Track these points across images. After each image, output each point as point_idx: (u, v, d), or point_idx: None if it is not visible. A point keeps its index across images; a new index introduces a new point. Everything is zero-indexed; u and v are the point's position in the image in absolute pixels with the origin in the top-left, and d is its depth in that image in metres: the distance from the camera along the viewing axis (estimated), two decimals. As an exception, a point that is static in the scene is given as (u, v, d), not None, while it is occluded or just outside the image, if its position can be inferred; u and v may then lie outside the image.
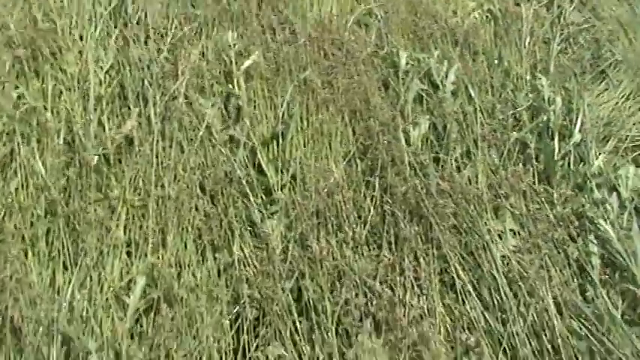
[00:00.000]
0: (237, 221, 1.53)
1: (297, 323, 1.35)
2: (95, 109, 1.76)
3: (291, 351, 1.31)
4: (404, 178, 1.62)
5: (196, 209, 1.55)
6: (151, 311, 1.36)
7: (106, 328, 1.30)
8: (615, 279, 1.45)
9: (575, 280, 1.45)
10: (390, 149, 1.69)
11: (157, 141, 1.70)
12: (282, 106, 1.82)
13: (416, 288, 1.43)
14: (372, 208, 1.58)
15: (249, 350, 1.31)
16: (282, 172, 1.68)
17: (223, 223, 1.53)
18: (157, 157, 1.67)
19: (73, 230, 1.49)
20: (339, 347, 1.31)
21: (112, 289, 1.37)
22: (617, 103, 1.98)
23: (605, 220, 1.54)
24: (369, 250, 1.51)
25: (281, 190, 1.62)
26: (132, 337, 1.31)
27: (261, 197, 1.60)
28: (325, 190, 1.60)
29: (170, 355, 1.27)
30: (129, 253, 1.48)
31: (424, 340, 1.30)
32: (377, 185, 1.62)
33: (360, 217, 1.58)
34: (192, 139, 1.72)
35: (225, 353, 1.30)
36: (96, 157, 1.62)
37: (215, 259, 1.48)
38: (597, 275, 1.44)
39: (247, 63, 1.93)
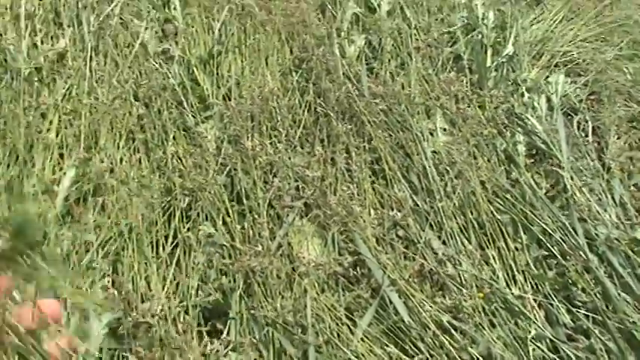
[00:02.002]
0: (171, 124, 1.60)
1: (229, 208, 1.42)
2: (27, 30, 1.82)
3: (222, 232, 1.38)
4: (338, 85, 1.71)
5: (129, 114, 1.62)
6: (82, 202, 1.42)
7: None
8: (539, 164, 1.57)
9: (501, 166, 1.56)
10: (325, 61, 1.79)
11: (91, 57, 1.77)
12: (218, 29, 1.91)
13: (347, 177, 1.51)
14: (305, 112, 1.67)
15: (180, 232, 1.38)
16: (217, 86, 1.76)
17: (157, 126, 1.60)
18: (90, 71, 1.73)
19: (3, 136, 1.54)
20: (270, 228, 1.39)
21: (42, 181, 1.42)
22: (550, 25, 2.12)
23: (532, 117, 1.66)
24: (302, 148, 1.60)
25: (216, 98, 1.70)
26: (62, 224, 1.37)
27: (196, 105, 1.68)
28: (260, 97, 1.69)
29: (101, 237, 1.33)
30: (61, 155, 1.54)
31: (352, 216, 1.39)
32: (311, 91, 1.72)
33: (294, 121, 1.66)
34: (126, 56, 1.79)
35: (157, 236, 1.37)
36: (27, 70, 1.68)
37: (148, 157, 1.54)
38: (523, 160, 1.56)
39: (184, -10, 2.02)
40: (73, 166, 1.46)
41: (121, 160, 1.52)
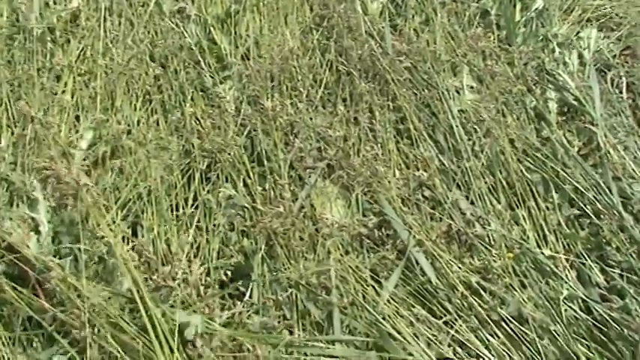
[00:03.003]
0: (188, 85, 1.59)
1: (249, 169, 1.41)
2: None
3: (243, 193, 1.37)
4: (360, 43, 1.68)
5: (146, 75, 1.60)
6: (100, 165, 1.42)
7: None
8: (571, 122, 1.53)
9: (531, 124, 1.52)
10: (347, 18, 1.75)
11: (105, 17, 1.76)
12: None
13: (370, 137, 1.50)
14: (327, 71, 1.65)
15: (200, 195, 1.38)
16: (235, 45, 1.74)
17: (174, 87, 1.59)
18: (104, 31, 1.72)
19: (18, 97, 1.54)
20: (291, 189, 1.38)
21: (59, 144, 1.42)
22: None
23: (564, 72, 1.62)
24: (324, 108, 1.58)
25: (234, 58, 1.68)
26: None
27: (214, 65, 1.66)
28: (279, 56, 1.66)
29: (119, 197, 1.33)
30: (77, 118, 1.53)
31: (377, 177, 1.37)
32: (332, 50, 1.69)
33: (315, 81, 1.64)
34: (141, 15, 1.78)
35: (176, 198, 1.36)
36: (40, 30, 1.67)
37: (166, 119, 1.54)
38: (554, 118, 1.53)
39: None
40: (89, 128, 1.46)
41: (139, 121, 1.51)
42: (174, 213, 1.34)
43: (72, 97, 1.56)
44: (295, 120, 1.51)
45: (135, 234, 1.29)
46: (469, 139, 1.47)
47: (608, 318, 1.14)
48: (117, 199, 1.33)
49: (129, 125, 1.50)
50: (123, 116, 1.52)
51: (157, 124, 1.54)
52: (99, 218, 1.23)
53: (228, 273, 1.23)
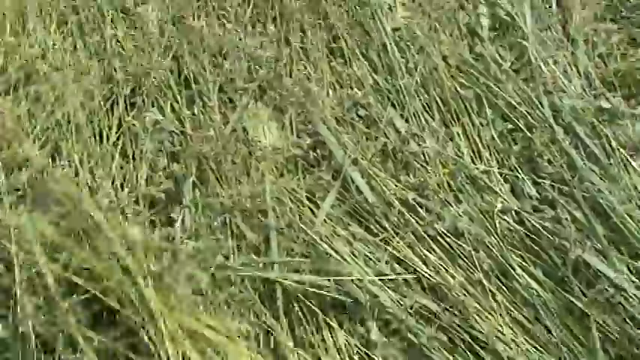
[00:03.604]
0: (107, 5, 1.46)
1: (176, 93, 1.32)
2: None
3: (172, 119, 1.28)
4: (289, -41, 1.58)
5: (59, -5, 1.46)
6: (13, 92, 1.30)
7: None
8: (503, 38, 1.49)
9: (464, 40, 1.48)
10: None
11: None
12: None
13: (302, 56, 1.42)
14: (255, -11, 1.54)
15: (124, 121, 1.28)
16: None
17: (92, 8, 1.45)
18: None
19: None
20: (222, 112, 1.30)
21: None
22: None
23: (495, -12, 1.56)
24: (254, 27, 1.48)
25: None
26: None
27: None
28: (204, -27, 1.54)
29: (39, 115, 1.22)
30: (-15, 43, 1.39)
31: (310, 97, 1.30)
32: (261, -33, 1.58)
33: (243, 0, 1.53)
34: None
35: (99, 126, 1.26)
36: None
37: (84, 42, 1.41)
38: (486, 34, 1.48)
39: None
40: (-1, 53, 1.32)
41: (54, 44, 1.38)
42: (98, 141, 1.24)
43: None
44: (224, 41, 1.41)
45: (54, 163, 1.19)
46: (402, 57, 1.41)
47: (540, 228, 1.13)
48: (33, 127, 1.22)
49: (43, 50, 1.37)
50: (36, 40, 1.39)
51: (75, 47, 1.41)
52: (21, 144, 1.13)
53: (159, 197, 1.16)
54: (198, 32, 1.41)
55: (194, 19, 1.45)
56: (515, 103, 1.32)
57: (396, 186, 1.19)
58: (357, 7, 1.50)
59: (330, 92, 1.36)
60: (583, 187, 1.17)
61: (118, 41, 1.40)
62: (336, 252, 1.10)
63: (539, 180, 1.21)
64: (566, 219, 1.14)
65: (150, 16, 1.45)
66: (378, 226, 1.15)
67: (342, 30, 1.45)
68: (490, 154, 1.27)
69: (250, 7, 1.51)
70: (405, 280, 1.09)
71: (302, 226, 1.12)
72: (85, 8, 1.45)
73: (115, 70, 1.33)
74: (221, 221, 1.14)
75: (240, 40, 1.42)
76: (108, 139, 1.24)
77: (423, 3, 1.53)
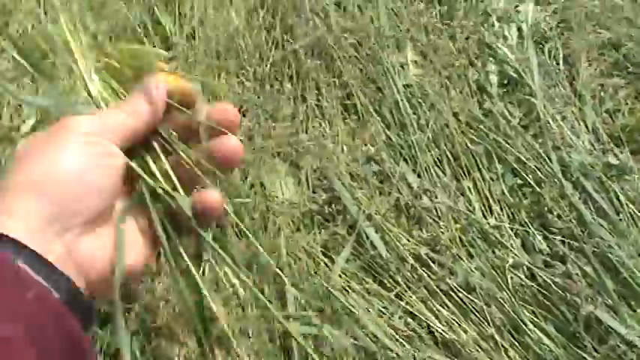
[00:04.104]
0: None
1: (198, 150, 1.35)
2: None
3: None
4: (305, 20, 1.63)
5: (88, 56, 1.51)
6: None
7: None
8: (512, 94, 1.52)
9: (474, 97, 1.50)
10: (291, -3, 1.69)
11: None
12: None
13: (318, 113, 1.45)
14: (273, 49, 1.59)
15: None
16: (181, 25, 1.67)
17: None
18: (45, 13, 1.62)
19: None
20: (241, 168, 1.33)
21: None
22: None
23: (503, 46, 1.60)
24: (271, 86, 1.52)
25: (179, 38, 1.61)
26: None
27: (159, 45, 1.59)
28: (225, 35, 1.60)
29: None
30: (20, 106, 1.44)
31: (325, 153, 1.33)
32: (278, 28, 1.63)
33: (262, 59, 1.58)
34: (82, -4, 1.67)
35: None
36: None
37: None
38: (495, 90, 1.51)
39: None
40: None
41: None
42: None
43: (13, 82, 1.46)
44: (243, 98, 1.45)
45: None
46: (414, 113, 1.44)
47: (551, 283, 1.13)
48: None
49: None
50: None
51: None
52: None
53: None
54: (218, 89, 1.45)
55: (215, 78, 1.50)
56: (524, 159, 1.34)
57: (409, 241, 1.21)
58: (371, 66, 1.54)
59: (345, 148, 1.39)
60: (593, 242, 1.18)
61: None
62: (351, 306, 1.10)
63: (550, 235, 1.22)
64: (577, 274, 1.14)
65: (173, 75, 1.50)
66: (391, 280, 1.16)
67: (356, 87, 1.49)
68: (501, 209, 1.28)
69: (268, 66, 1.56)
70: (419, 334, 1.10)
71: (318, 279, 1.13)
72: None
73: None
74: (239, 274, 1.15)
75: (259, 98, 1.47)
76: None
77: (434, 61, 1.56)
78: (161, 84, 0.53)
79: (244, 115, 1.42)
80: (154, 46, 1.56)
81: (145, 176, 0.53)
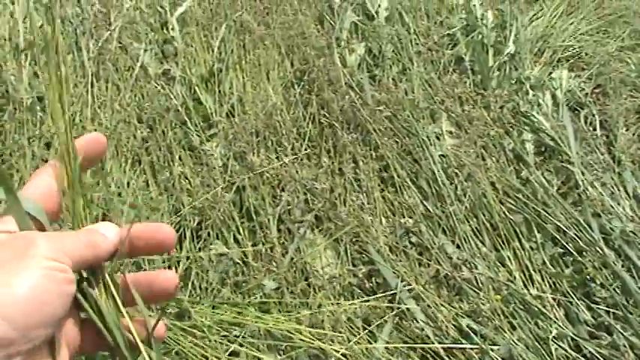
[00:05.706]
0: (176, 145, 1.62)
1: (239, 225, 1.43)
2: (27, 60, 1.84)
3: (234, 250, 1.38)
4: (341, 94, 1.72)
5: (134, 137, 1.63)
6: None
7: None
8: (549, 162, 1.56)
9: (511, 165, 1.55)
10: (327, 72, 1.80)
11: (92, 83, 1.79)
12: (218, 47, 1.92)
13: (355, 186, 1.52)
14: (310, 124, 1.68)
15: (190, 251, 1.38)
16: (220, 104, 1.78)
17: (162, 147, 1.61)
18: (92, 97, 1.75)
19: (9, 167, 1.56)
20: (281, 243, 1.39)
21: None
22: (550, 20, 2.12)
23: (538, 114, 1.66)
24: (309, 160, 1.60)
25: (219, 116, 1.71)
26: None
27: (200, 124, 1.69)
28: (263, 112, 1.70)
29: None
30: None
31: (364, 226, 1.39)
32: (314, 103, 1.72)
33: (299, 134, 1.67)
34: (127, 79, 1.81)
35: (168, 260, 1.37)
36: (29, 100, 1.70)
37: (155, 179, 1.55)
38: (532, 159, 1.56)
39: (181, 9, 2.04)
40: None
41: (128, 183, 1.53)
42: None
43: (62, 163, 1.57)
44: (282, 173, 1.53)
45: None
46: (451, 184, 1.50)
47: (597, 355, 1.14)
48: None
49: (119, 187, 1.52)
50: (112, 179, 1.54)
51: (147, 184, 1.55)
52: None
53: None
54: (258, 166, 1.54)
55: (254, 155, 1.58)
56: (564, 227, 1.37)
57: (450, 312, 1.24)
58: (407, 137, 1.61)
59: (383, 220, 1.45)
60: (638, 312, 1.19)
61: (185, 177, 1.54)
62: (394, 381, 1.13)
63: (593, 305, 1.23)
64: (624, 345, 1.15)
65: (214, 152, 1.60)
66: (432, 353, 1.19)
67: (393, 160, 1.56)
68: (542, 279, 1.31)
69: (305, 141, 1.64)
70: (463, 409, 1.11)
71: (361, 354, 1.17)
72: (156, 148, 1.60)
73: (183, 204, 1.46)
74: (281, 350, 1.20)
75: (297, 172, 1.54)
76: (177, 270, 1.34)
77: (469, 131, 1.63)
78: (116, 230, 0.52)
79: (283, 190, 1.50)
80: (196, 126, 1.67)
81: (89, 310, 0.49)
